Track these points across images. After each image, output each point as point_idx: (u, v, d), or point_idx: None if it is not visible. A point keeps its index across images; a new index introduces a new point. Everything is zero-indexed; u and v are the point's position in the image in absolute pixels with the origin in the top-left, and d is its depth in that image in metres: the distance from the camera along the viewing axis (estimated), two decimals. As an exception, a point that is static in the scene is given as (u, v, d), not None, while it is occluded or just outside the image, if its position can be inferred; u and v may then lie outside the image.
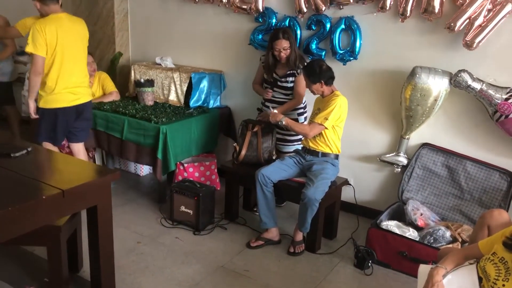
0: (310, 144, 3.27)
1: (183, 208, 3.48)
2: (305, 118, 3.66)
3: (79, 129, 3.60)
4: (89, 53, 4.18)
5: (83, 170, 2.51)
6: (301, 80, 3.40)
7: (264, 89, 3.68)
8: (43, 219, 2.13)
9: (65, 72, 3.38)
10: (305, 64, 3.36)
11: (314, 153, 3.26)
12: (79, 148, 3.70)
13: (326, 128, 3.14)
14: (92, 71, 4.13)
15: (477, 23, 2.98)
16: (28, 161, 2.50)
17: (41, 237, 2.41)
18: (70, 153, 4.12)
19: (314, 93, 3.27)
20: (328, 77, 3.16)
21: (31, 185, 2.18)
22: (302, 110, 3.65)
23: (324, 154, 3.24)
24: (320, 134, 3.20)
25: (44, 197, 2.05)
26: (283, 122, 3.25)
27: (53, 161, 2.67)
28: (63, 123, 3.48)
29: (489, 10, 2.97)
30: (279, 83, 3.57)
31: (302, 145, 3.42)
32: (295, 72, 3.50)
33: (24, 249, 3.02)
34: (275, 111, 3.48)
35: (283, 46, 3.42)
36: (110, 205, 2.40)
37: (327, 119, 3.11)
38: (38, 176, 2.27)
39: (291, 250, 3.21)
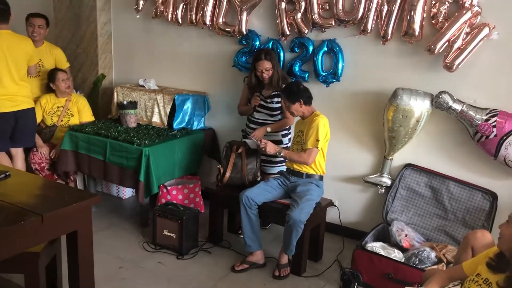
0: (294, 165, 3.26)
1: (166, 232, 3.42)
2: (289, 140, 3.66)
3: (19, 133, 3.74)
4: (63, 70, 4.17)
5: (62, 195, 2.45)
6: None
7: (249, 105, 3.67)
8: (21, 246, 2.07)
9: (2, 82, 3.58)
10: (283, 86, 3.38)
11: (299, 174, 3.25)
12: (17, 152, 3.84)
13: (319, 150, 3.15)
14: (67, 88, 4.10)
15: (456, 45, 3.05)
16: (6, 186, 2.43)
17: (18, 264, 2.33)
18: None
19: (293, 115, 3.28)
20: (306, 97, 3.19)
21: (9, 210, 2.11)
22: (286, 132, 3.65)
23: (309, 176, 3.23)
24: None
25: (22, 222, 1.99)
26: (281, 154, 3.24)
27: (32, 186, 2.61)
28: (2, 128, 3.64)
29: (467, 33, 3.04)
30: (264, 104, 3.58)
31: (286, 167, 3.41)
32: (280, 93, 3.52)
33: (0, 276, 2.92)
34: (268, 129, 3.50)
35: (265, 67, 3.44)
36: (90, 230, 2.34)
37: (318, 140, 3.12)
38: (16, 201, 2.21)
39: (276, 273, 3.17)
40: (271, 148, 3.24)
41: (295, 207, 3.02)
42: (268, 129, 3.53)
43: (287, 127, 3.64)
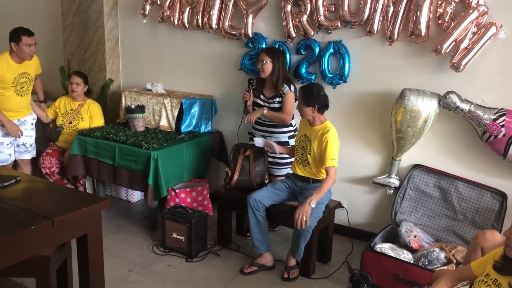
0: (299, 171, 3.25)
1: (175, 235, 3.44)
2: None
3: None
4: (79, 75, 4.23)
5: (72, 199, 2.47)
6: (288, 99, 3.46)
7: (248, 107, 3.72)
8: (32, 250, 2.09)
9: None
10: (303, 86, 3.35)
11: (305, 179, 3.24)
12: None
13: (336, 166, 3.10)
14: (71, 92, 4.17)
15: (463, 45, 3.04)
16: (17, 191, 2.47)
17: (30, 268, 2.35)
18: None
19: (302, 116, 3.20)
20: (322, 105, 3.10)
21: (20, 215, 2.14)
22: (293, 133, 3.65)
23: (316, 180, 3.22)
24: (309, 164, 3.19)
25: (33, 227, 2.01)
26: (314, 202, 2.99)
27: (42, 190, 2.64)
28: None
29: (474, 33, 3.03)
30: (267, 105, 3.59)
31: (292, 171, 3.37)
32: (281, 93, 3.52)
33: (12, 280, 2.95)
34: (265, 111, 3.51)
35: (262, 59, 3.47)
36: (100, 234, 2.36)
37: (333, 159, 3.07)
38: (27, 206, 2.24)
39: (285, 275, 3.17)
40: (304, 215, 2.97)
41: (304, 212, 3.01)
42: (265, 111, 3.51)
43: (293, 129, 3.63)
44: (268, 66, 3.48)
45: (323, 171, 3.19)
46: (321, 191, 3.04)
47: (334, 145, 3.07)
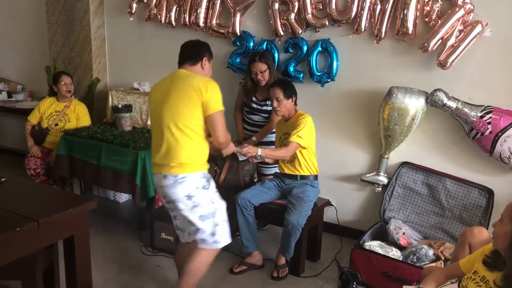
0: (286, 170, 3.26)
1: (163, 235, 3.41)
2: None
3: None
4: (68, 74, 4.18)
5: (58, 200, 2.45)
6: None
7: (242, 128, 3.71)
8: (17, 252, 2.06)
9: None
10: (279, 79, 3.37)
11: (292, 176, 3.25)
12: None
13: (301, 146, 3.10)
14: (67, 92, 4.12)
15: (449, 43, 3.06)
16: (2, 192, 2.43)
17: (15, 271, 2.33)
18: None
19: (276, 111, 3.18)
20: (296, 96, 3.21)
21: (5, 217, 2.11)
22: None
23: (303, 177, 3.22)
24: (295, 158, 3.19)
25: (18, 229, 1.98)
26: (261, 155, 3.07)
27: (28, 192, 2.60)
28: None
29: (460, 31, 3.05)
30: (260, 107, 3.58)
31: (279, 171, 3.37)
32: (274, 84, 3.51)
33: (-2, 283, 2.91)
34: (254, 138, 3.48)
35: (260, 69, 3.43)
36: (87, 235, 2.34)
37: (300, 136, 3.07)
38: (12, 207, 2.21)
39: (275, 274, 3.17)
40: (253, 150, 3.06)
41: (293, 211, 3.01)
42: (254, 139, 3.53)
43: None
44: (267, 73, 3.46)
45: (310, 165, 3.20)
46: (273, 152, 3.15)
47: (307, 125, 3.10)
